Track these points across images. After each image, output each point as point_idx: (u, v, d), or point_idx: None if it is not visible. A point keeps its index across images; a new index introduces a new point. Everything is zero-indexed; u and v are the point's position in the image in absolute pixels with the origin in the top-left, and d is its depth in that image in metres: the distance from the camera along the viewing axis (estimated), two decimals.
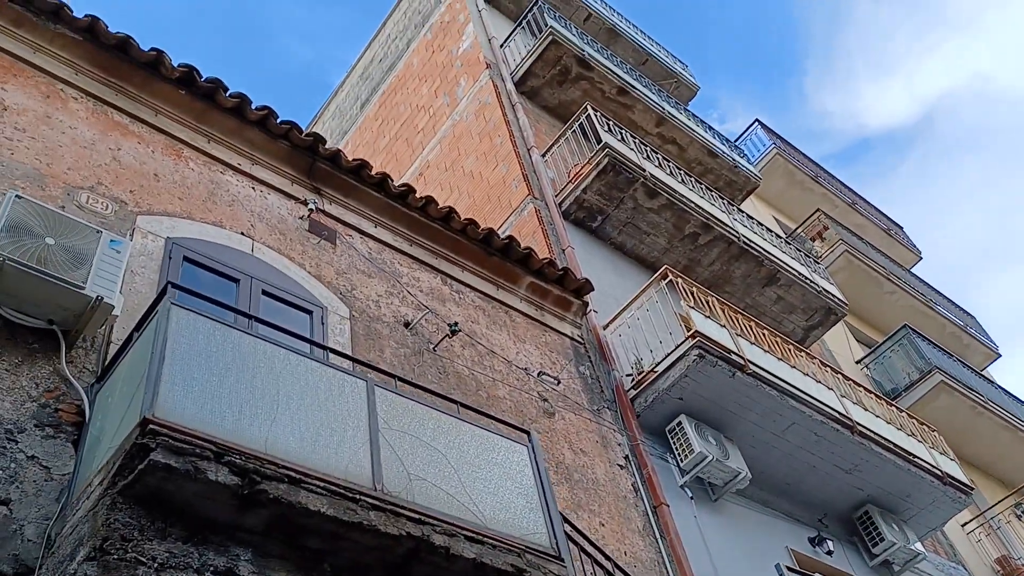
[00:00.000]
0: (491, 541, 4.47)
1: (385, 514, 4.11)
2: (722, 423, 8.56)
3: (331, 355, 5.28)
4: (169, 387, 3.75)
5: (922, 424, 11.05)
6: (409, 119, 14.29)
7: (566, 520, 5.67)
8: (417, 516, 4.23)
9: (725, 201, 12.13)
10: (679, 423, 8.29)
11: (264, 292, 5.87)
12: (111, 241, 4.75)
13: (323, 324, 6.09)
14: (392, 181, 7.66)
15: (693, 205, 11.04)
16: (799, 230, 17.03)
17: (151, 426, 3.53)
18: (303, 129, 7.16)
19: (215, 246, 5.92)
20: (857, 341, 16.13)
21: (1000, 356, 18.89)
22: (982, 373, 16.74)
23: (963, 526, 13.32)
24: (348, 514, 3.96)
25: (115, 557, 3.30)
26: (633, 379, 8.60)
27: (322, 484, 3.95)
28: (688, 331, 8.35)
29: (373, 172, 7.54)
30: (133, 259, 5.35)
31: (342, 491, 4.00)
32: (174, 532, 3.54)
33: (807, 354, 9.89)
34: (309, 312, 6.10)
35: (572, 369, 8.39)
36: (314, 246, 6.78)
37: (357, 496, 4.04)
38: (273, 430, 3.99)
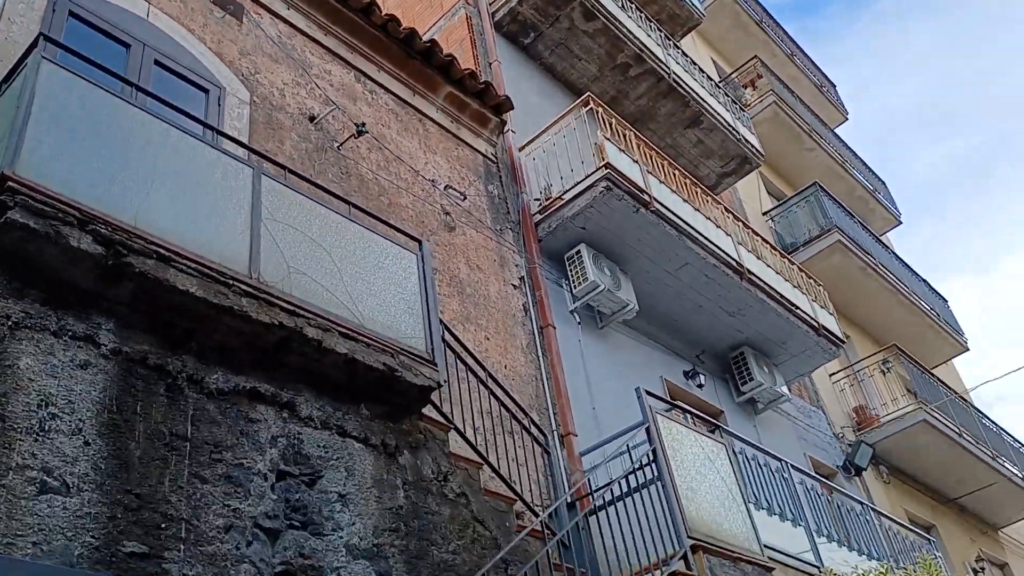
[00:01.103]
0: (365, 339, 4.56)
1: (258, 302, 4.13)
2: (620, 256, 8.76)
3: (223, 139, 5.08)
4: (33, 146, 3.56)
5: (810, 278, 11.56)
6: None
7: (448, 329, 5.82)
8: (291, 307, 4.26)
9: (663, 35, 11.82)
10: (578, 252, 8.45)
11: (157, 62, 5.54)
12: None
13: (219, 105, 5.82)
14: None
15: (629, 34, 10.74)
16: (733, 75, 16.87)
17: (9, 183, 3.38)
18: None
19: (106, 4, 5.49)
20: (768, 193, 16.48)
21: (901, 223, 19.69)
22: (880, 238, 17.44)
23: (831, 376, 14.28)
24: (219, 298, 3.96)
25: None
26: (540, 204, 8.64)
27: (194, 265, 3.90)
28: (600, 162, 8.35)
29: None
30: (11, 5, 4.93)
31: (215, 274, 3.97)
32: (32, 294, 3.48)
33: (713, 199, 10.06)
34: (206, 91, 5.81)
35: (480, 187, 8.35)
36: (217, 20, 6.37)
37: (230, 281, 4.03)
38: (146, 205, 3.88)
